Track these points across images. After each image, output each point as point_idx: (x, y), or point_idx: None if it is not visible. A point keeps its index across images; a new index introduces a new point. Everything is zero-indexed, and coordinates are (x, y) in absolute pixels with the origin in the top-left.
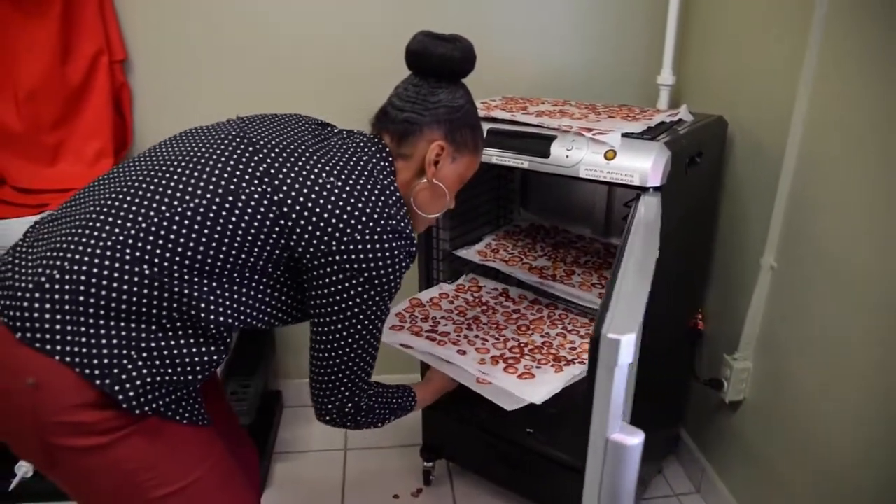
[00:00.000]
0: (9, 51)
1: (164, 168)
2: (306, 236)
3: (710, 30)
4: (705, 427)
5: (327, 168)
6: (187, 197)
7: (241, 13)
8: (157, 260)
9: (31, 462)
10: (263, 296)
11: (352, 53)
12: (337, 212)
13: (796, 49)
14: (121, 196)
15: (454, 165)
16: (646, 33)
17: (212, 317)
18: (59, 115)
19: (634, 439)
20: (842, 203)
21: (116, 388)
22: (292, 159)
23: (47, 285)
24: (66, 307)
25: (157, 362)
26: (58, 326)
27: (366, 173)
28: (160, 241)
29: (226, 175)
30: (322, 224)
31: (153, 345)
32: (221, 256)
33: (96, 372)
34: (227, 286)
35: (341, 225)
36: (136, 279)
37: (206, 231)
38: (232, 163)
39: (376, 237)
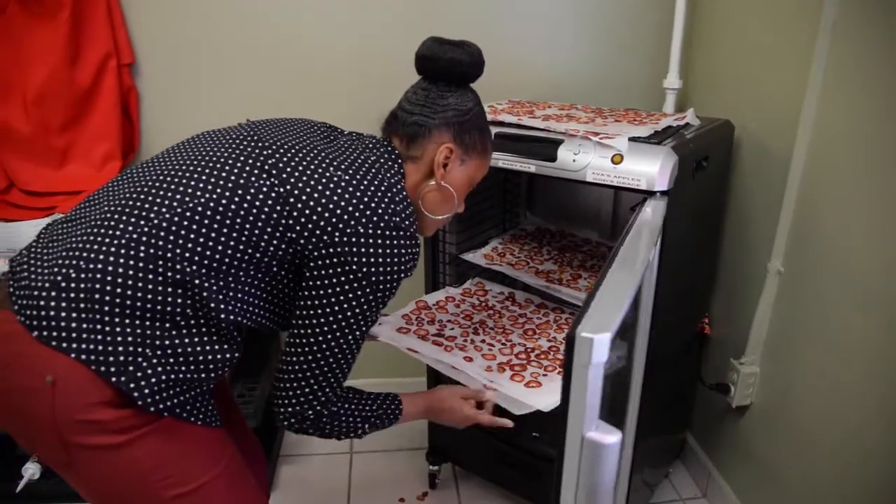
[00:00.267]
0: (18, 54)
1: (175, 169)
2: (310, 226)
3: (716, 34)
4: (712, 431)
5: (335, 164)
6: (198, 193)
7: (248, 17)
8: (169, 255)
9: (47, 461)
10: (269, 295)
11: (361, 59)
12: (343, 204)
13: (804, 53)
14: (134, 196)
15: (463, 168)
16: (652, 37)
17: (222, 315)
18: (68, 118)
19: (611, 438)
20: (849, 208)
21: (132, 385)
22: (300, 155)
23: (63, 284)
24: (82, 305)
25: (172, 360)
26: (74, 325)
27: (373, 171)
28: (171, 238)
29: (235, 171)
30: (327, 215)
31: (168, 342)
32: (230, 252)
33: (112, 369)
34: (233, 285)
35: (346, 217)
36: (150, 276)
37: (215, 226)
38: (241, 160)
39: (379, 231)
